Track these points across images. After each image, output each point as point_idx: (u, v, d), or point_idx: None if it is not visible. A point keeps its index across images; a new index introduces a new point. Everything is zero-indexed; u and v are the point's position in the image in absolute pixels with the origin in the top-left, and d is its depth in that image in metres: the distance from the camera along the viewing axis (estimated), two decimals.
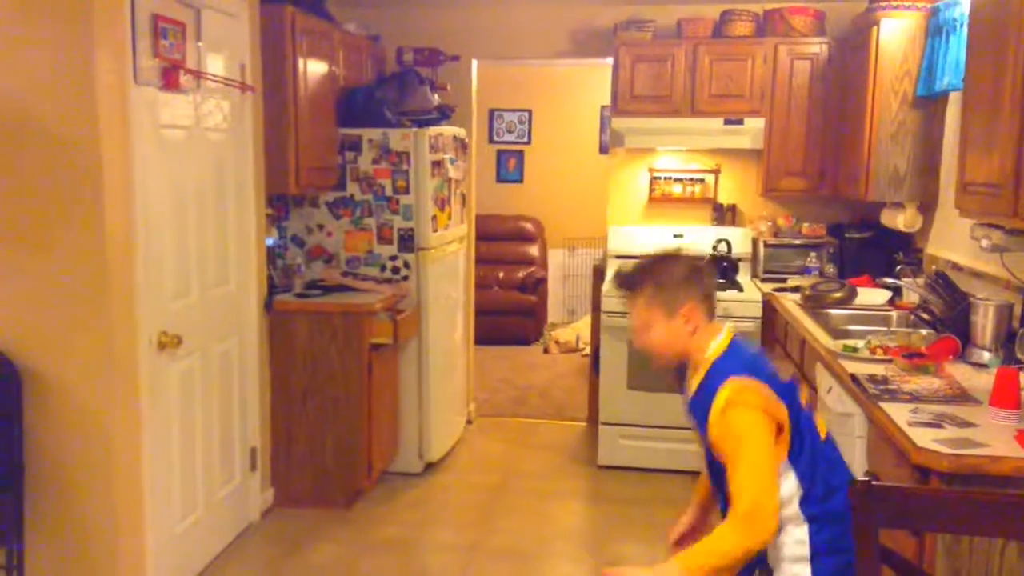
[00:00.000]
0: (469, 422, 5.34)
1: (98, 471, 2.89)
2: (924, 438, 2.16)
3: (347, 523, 3.93)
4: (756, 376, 1.87)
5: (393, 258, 4.37)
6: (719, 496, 2.04)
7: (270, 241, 4.08)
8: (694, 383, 1.97)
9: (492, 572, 3.51)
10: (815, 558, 1.91)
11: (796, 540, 1.91)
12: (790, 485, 1.90)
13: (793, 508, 1.90)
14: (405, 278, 4.38)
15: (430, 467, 4.56)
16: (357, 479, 4.05)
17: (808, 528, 1.91)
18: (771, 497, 1.83)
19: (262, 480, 3.96)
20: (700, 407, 1.92)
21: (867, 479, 1.85)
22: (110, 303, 2.85)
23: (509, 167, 8.20)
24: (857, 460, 2.62)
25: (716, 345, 1.95)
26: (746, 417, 1.84)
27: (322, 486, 4.05)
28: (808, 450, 1.90)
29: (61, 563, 2.92)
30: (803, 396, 1.95)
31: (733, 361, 1.91)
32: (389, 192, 4.33)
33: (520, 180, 8.19)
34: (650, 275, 1.99)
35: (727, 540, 1.84)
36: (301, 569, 3.50)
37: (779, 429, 1.86)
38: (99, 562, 2.92)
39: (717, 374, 1.90)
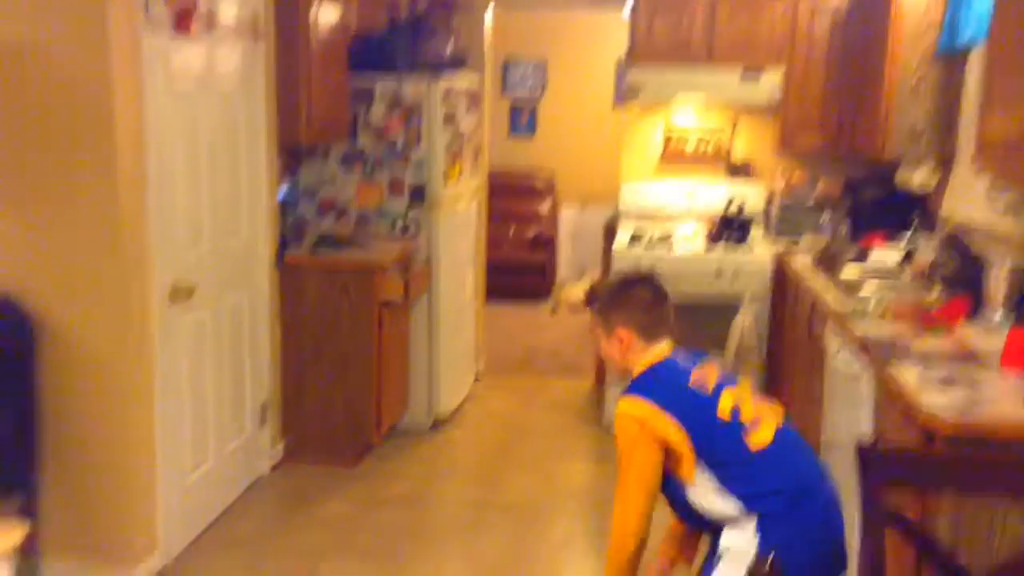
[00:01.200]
0: (478, 379, 5.36)
1: (111, 420, 2.93)
2: (932, 399, 2.15)
3: (356, 478, 3.97)
4: (652, 397, 1.99)
5: (404, 213, 4.35)
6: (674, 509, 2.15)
7: (281, 194, 4.07)
8: None
9: (499, 527, 3.55)
10: (765, 547, 1.93)
11: (744, 539, 1.95)
12: (708, 492, 1.98)
13: (731, 510, 1.96)
14: (416, 234, 4.36)
15: (439, 423, 4.59)
16: (366, 435, 4.09)
17: (755, 526, 1.94)
18: (632, 510, 2.00)
19: (272, 434, 4.00)
20: None
21: (873, 441, 1.85)
22: (123, 252, 2.86)
23: (522, 120, 8.10)
24: (864, 421, 2.61)
25: (641, 363, 2.11)
26: (626, 432, 2.01)
27: (332, 441, 4.08)
28: (730, 461, 1.97)
29: (74, 509, 2.97)
30: (729, 406, 2.00)
31: (643, 380, 2.07)
32: (400, 145, 4.29)
33: (533, 134, 8.10)
34: (599, 298, 2.26)
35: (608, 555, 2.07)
36: (310, 522, 3.55)
37: (667, 444, 1.97)
38: (111, 509, 2.97)
39: (628, 386, 2.08)
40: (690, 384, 2.03)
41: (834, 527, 1.99)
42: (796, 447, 2.04)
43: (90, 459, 2.95)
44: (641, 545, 2.01)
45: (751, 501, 1.94)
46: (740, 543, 1.94)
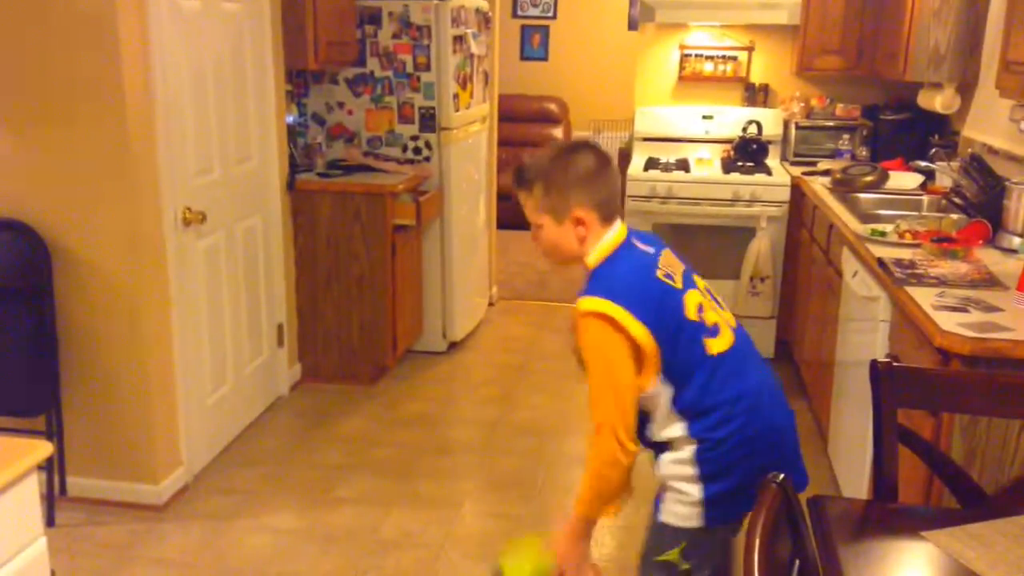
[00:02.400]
0: (491, 304, 5.39)
1: (129, 343, 2.97)
2: (948, 322, 2.15)
3: (373, 398, 4.04)
4: (621, 296, 1.70)
5: (415, 138, 4.31)
6: None
7: (290, 119, 4.03)
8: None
9: (514, 446, 3.62)
10: (704, 479, 1.76)
11: (681, 460, 1.77)
12: (665, 403, 1.75)
13: (677, 428, 1.76)
14: (427, 159, 4.33)
15: (453, 346, 4.64)
16: (382, 356, 4.14)
17: (695, 448, 1.75)
18: (617, 415, 1.71)
19: (290, 356, 4.05)
20: None
21: (888, 360, 1.86)
22: (134, 178, 2.85)
23: (533, 43, 7.95)
24: (879, 344, 2.62)
25: (597, 252, 1.79)
26: (594, 333, 1.71)
27: (348, 363, 4.14)
28: (687, 367, 1.73)
29: (98, 429, 3.04)
30: (695, 306, 1.76)
31: (607, 274, 1.76)
32: (410, 68, 4.22)
33: (545, 58, 7.95)
34: (541, 174, 1.80)
35: (586, 471, 1.76)
36: (328, 440, 3.62)
37: (637, 348, 1.69)
38: (134, 428, 3.03)
39: (588, 284, 1.77)
40: (658, 275, 1.75)
41: (783, 443, 1.81)
42: (750, 357, 1.84)
43: (112, 380, 3.00)
44: (626, 474, 1.74)
45: (696, 420, 1.74)
46: (678, 472, 1.78)
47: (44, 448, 1.63)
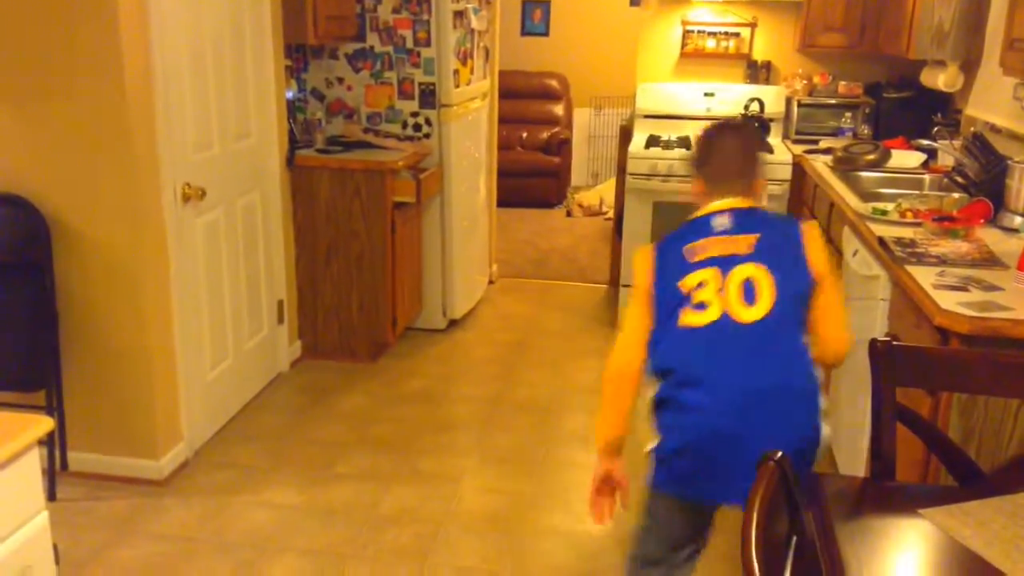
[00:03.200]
0: (491, 282, 5.39)
1: (129, 318, 2.97)
2: (948, 300, 2.15)
3: (373, 375, 4.05)
4: (659, 245, 2.02)
5: (415, 114, 4.29)
6: None
7: (289, 94, 4.01)
8: None
9: (513, 423, 3.63)
10: (655, 438, 1.93)
11: (649, 412, 1.95)
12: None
13: (654, 380, 1.93)
14: (427, 136, 4.31)
15: (453, 324, 4.65)
16: (382, 333, 4.14)
17: (652, 403, 1.94)
18: (623, 342, 1.99)
19: (290, 333, 4.06)
20: None
21: (887, 339, 1.86)
22: (133, 153, 2.84)
23: (535, 19, 7.89)
24: (879, 322, 2.63)
25: (695, 214, 2.05)
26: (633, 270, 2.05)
27: (348, 339, 4.15)
28: (659, 325, 1.94)
29: (98, 404, 3.05)
30: (696, 282, 1.91)
31: (676, 230, 2.04)
32: (410, 44, 4.19)
33: (546, 33, 7.90)
34: (694, 143, 2.22)
35: (604, 393, 2.02)
36: (329, 416, 3.64)
37: (647, 295, 1.97)
38: (134, 405, 3.04)
39: None
40: (686, 247, 1.96)
41: (723, 452, 1.81)
42: (739, 353, 1.84)
43: (112, 355, 3.00)
44: (620, 384, 1.97)
45: (659, 378, 1.91)
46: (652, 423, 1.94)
47: (45, 423, 1.63)
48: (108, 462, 3.08)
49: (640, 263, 2.01)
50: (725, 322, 1.85)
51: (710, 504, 2.01)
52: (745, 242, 1.93)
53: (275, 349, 3.95)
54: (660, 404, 1.91)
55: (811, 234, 1.99)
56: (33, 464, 1.62)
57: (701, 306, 1.88)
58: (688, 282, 1.91)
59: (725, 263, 1.91)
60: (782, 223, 2.06)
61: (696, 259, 1.93)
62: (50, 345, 2.93)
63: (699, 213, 2.03)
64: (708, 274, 1.90)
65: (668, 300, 1.92)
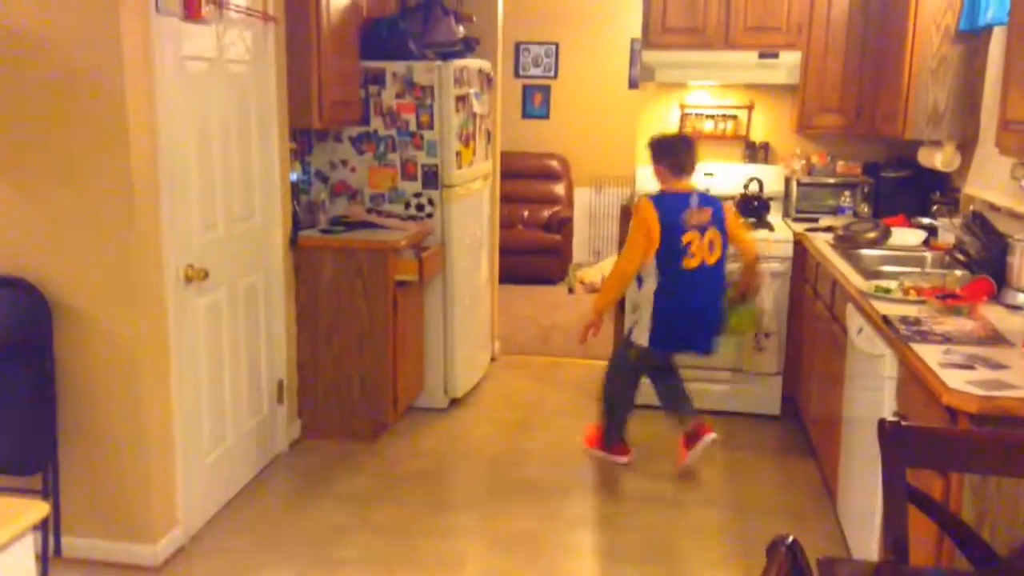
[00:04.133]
0: (493, 359, 5.36)
1: (128, 401, 2.94)
2: (955, 379, 2.13)
3: (373, 455, 3.99)
4: (655, 203, 3.56)
5: (417, 195, 4.34)
6: None
7: (294, 176, 4.07)
8: None
9: (516, 505, 3.56)
10: (655, 313, 3.61)
11: (647, 294, 3.62)
12: (654, 269, 3.57)
13: (653, 280, 3.60)
14: (429, 215, 4.35)
15: (455, 403, 4.60)
16: (383, 413, 4.10)
17: (655, 290, 3.60)
18: (627, 260, 3.62)
19: (289, 412, 4.01)
20: None
21: (896, 419, 1.83)
22: (137, 235, 2.86)
23: (535, 102, 8.06)
24: (886, 401, 2.59)
25: (664, 187, 3.67)
26: (634, 216, 3.61)
27: (348, 419, 4.10)
28: (666, 259, 3.53)
29: (94, 488, 3.00)
30: (687, 241, 3.53)
31: (659, 194, 3.64)
32: (413, 127, 4.27)
33: (546, 116, 8.06)
34: (654, 144, 3.72)
35: (607, 280, 3.78)
36: (328, 498, 3.57)
37: (649, 229, 3.51)
38: (131, 488, 2.99)
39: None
40: (681, 213, 3.53)
41: (697, 317, 3.63)
42: (703, 284, 3.59)
43: (109, 438, 2.97)
44: (624, 280, 3.68)
45: (662, 280, 3.57)
46: (647, 301, 3.63)
47: (40, 508, 1.60)
48: (102, 547, 3.01)
49: (648, 211, 3.53)
50: (703, 266, 3.56)
51: (681, 351, 3.81)
52: (707, 214, 3.57)
53: (274, 429, 3.91)
54: (661, 300, 3.58)
55: (728, 207, 3.74)
56: (26, 550, 1.58)
57: (691, 256, 3.53)
58: (685, 239, 3.52)
59: (701, 229, 3.54)
60: (717, 201, 3.67)
61: (687, 224, 3.53)
62: (48, 428, 2.90)
63: (673, 190, 3.62)
64: (694, 236, 3.53)
65: (675, 249, 3.52)
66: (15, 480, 2.85)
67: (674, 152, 3.61)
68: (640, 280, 3.64)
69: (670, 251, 3.50)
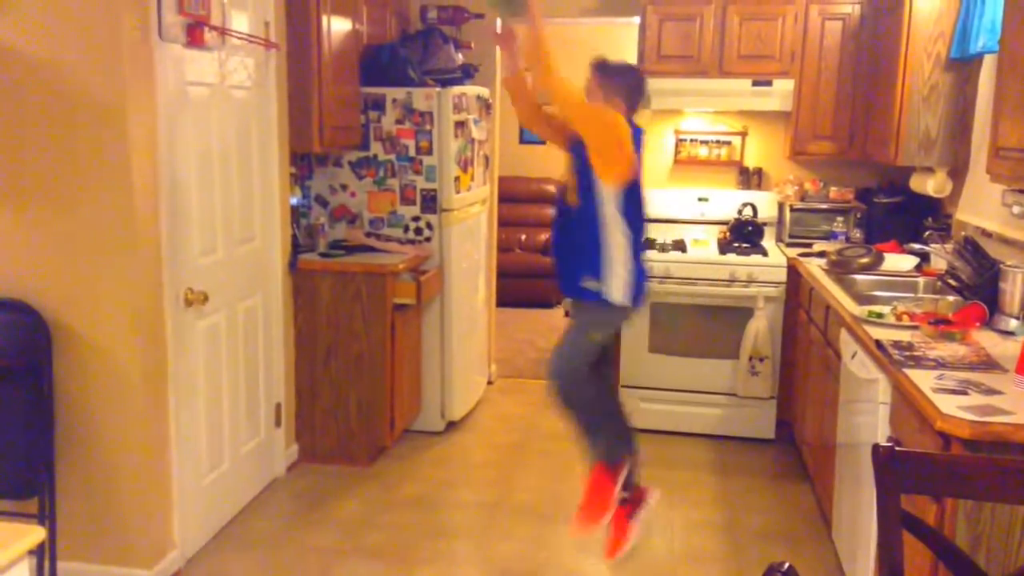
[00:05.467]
0: (490, 383, 5.37)
1: (126, 425, 2.95)
2: (948, 405, 2.15)
3: (370, 479, 3.99)
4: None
5: (416, 219, 4.38)
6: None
7: (294, 200, 4.10)
8: None
9: (513, 530, 3.56)
10: (627, 261, 2.98)
11: (619, 243, 2.97)
12: (616, 212, 2.95)
13: (619, 224, 2.96)
14: (428, 239, 4.38)
15: (452, 426, 4.61)
16: (380, 436, 4.10)
17: (625, 236, 2.97)
18: (572, 83, 2.96)
19: (287, 436, 4.02)
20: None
21: (889, 444, 1.85)
22: (137, 259, 2.88)
23: None
24: (880, 426, 2.61)
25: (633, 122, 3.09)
26: (604, 116, 2.97)
27: (346, 443, 4.10)
28: (634, 206, 3.00)
29: (91, 511, 2.99)
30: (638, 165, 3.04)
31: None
32: (412, 152, 4.31)
33: (543, 142, 8.09)
34: (607, 69, 3.12)
35: (558, 77, 2.95)
36: (324, 523, 3.57)
37: (622, 144, 2.93)
38: (128, 513, 2.99)
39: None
40: (640, 152, 3.06)
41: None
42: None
43: (106, 462, 2.97)
44: (568, 94, 2.96)
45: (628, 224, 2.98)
46: (621, 254, 2.98)
47: (36, 534, 1.60)
48: (98, 571, 3.00)
49: (624, 125, 2.95)
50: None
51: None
52: (642, 144, 3.09)
53: (272, 453, 3.91)
54: (627, 246, 2.99)
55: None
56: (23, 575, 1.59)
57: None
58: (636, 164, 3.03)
59: (640, 157, 3.05)
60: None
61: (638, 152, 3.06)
62: (45, 452, 2.90)
63: (634, 123, 3.04)
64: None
65: (637, 172, 3.01)
66: (11, 504, 2.85)
67: (634, 81, 3.09)
68: (600, 222, 2.94)
69: (636, 196, 3.00)
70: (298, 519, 3.61)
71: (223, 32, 3.29)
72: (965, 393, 2.25)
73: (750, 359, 4.36)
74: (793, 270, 4.35)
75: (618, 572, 3.25)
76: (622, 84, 3.02)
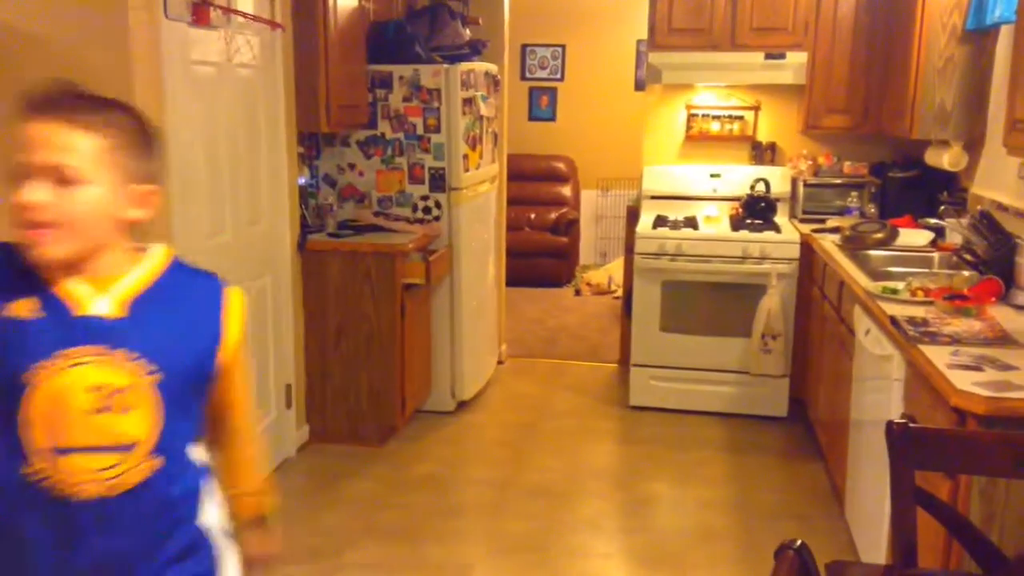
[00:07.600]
0: (501, 362, 5.37)
1: None
2: (963, 380, 2.12)
3: (381, 459, 4.00)
4: None
5: (424, 198, 4.35)
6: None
7: (302, 180, 4.08)
8: (134, 284, 1.41)
9: (524, 508, 3.56)
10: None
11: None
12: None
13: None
14: (437, 218, 4.36)
15: (462, 406, 4.61)
16: (390, 416, 4.11)
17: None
18: None
19: (297, 417, 4.03)
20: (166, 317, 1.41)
21: (904, 421, 1.83)
22: (144, 240, 2.87)
23: (541, 105, 8.07)
24: (894, 402, 2.59)
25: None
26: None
27: (356, 423, 4.11)
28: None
29: None
30: None
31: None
32: (420, 131, 4.28)
33: (553, 118, 8.07)
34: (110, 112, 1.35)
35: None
36: (336, 503, 3.58)
37: None
38: None
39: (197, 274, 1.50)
40: None
41: None
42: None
43: None
44: None
45: None
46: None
47: None
48: None
49: None
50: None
51: None
52: None
53: (282, 434, 3.92)
54: None
55: None
56: None
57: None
58: None
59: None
60: None
61: None
62: None
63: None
64: None
65: None
66: None
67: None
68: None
69: None
70: (309, 499, 3.62)
71: (228, 11, 3.26)
72: (980, 369, 2.22)
73: (763, 336, 4.33)
74: (806, 246, 4.31)
75: (629, 550, 3.25)
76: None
